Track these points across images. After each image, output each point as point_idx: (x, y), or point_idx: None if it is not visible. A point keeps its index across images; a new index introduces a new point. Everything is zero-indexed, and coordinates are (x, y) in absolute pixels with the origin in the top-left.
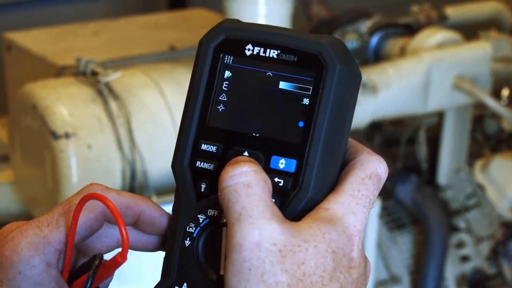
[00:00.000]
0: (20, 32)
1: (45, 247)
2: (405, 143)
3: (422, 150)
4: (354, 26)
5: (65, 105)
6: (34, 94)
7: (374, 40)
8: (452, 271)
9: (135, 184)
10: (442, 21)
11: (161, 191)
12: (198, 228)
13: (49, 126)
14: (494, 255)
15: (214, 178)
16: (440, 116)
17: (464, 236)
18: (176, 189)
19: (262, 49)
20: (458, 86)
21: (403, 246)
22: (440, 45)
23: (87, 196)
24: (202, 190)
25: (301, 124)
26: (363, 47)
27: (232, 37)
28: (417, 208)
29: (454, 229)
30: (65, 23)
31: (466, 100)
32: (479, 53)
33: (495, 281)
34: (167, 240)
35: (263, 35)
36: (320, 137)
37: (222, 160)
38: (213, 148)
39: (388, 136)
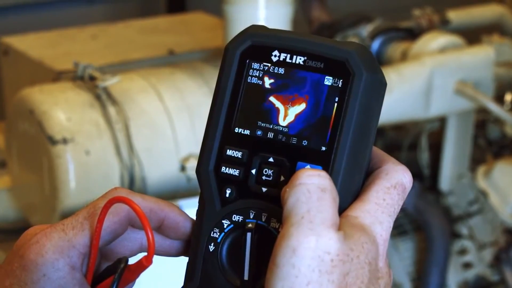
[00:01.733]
0: (17, 36)
1: (70, 250)
2: (407, 149)
3: (424, 156)
4: (355, 30)
5: (63, 110)
6: (32, 99)
7: (376, 44)
8: (455, 278)
9: (133, 190)
10: (444, 25)
11: (160, 197)
12: (223, 234)
13: (46, 131)
14: (497, 262)
15: (239, 183)
16: (442, 121)
17: (466, 243)
18: (201, 194)
19: (288, 56)
20: (461, 91)
21: (404, 253)
22: (442, 50)
23: (114, 199)
24: (227, 195)
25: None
26: None
27: (258, 43)
28: (419, 214)
29: (456, 235)
30: (63, 27)
31: (469, 105)
32: (481, 58)
33: None
34: (191, 245)
35: (290, 41)
36: (346, 143)
37: (247, 166)
38: (238, 154)
39: (389, 142)
